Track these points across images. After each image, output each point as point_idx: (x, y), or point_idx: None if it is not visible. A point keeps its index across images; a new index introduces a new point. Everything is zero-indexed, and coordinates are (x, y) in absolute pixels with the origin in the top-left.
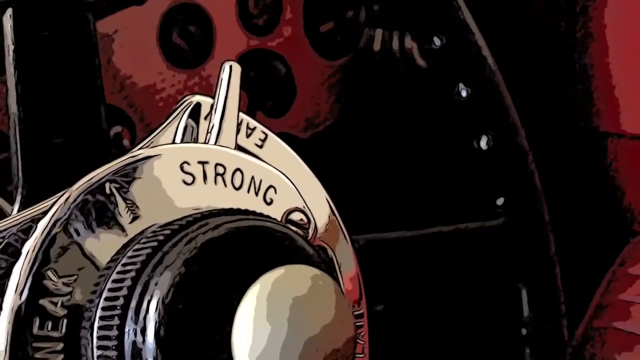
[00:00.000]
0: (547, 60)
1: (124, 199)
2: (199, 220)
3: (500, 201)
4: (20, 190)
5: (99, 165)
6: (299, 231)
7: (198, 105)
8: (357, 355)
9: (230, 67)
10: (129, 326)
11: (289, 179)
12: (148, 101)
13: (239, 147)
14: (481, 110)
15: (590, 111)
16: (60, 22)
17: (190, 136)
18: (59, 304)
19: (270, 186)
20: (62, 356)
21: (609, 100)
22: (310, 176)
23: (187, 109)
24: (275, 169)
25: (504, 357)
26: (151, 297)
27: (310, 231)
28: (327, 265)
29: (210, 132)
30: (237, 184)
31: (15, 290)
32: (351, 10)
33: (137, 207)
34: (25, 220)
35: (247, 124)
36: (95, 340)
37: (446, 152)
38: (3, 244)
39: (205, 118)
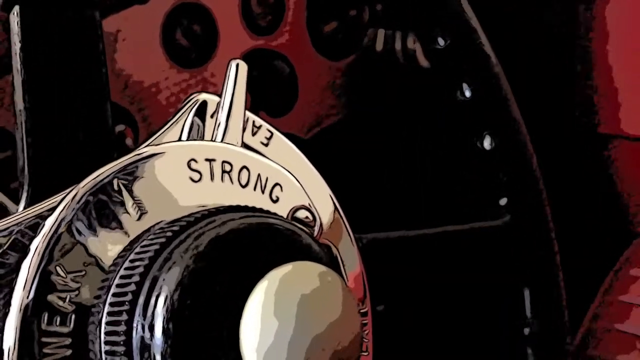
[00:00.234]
0: (548, 61)
1: (132, 196)
2: (207, 217)
3: (503, 201)
4: (26, 187)
5: (104, 163)
6: (306, 229)
7: (204, 104)
8: (361, 353)
9: (237, 65)
10: (137, 322)
11: (294, 177)
12: (151, 100)
13: (244, 145)
14: (484, 110)
15: (592, 113)
16: (67, 20)
17: (197, 134)
18: (67, 300)
19: (277, 184)
20: (70, 351)
21: (611, 102)
22: (315, 175)
23: (193, 107)
24: (281, 167)
25: (505, 357)
26: (159, 293)
27: (316, 229)
28: (333, 263)
29: (216, 130)
30: (243, 182)
31: (24, 286)
32: (354, 10)
33: (144, 203)
34: (32, 216)
35: (253, 122)
36: (103, 335)
37: (449, 152)
38: (10, 241)
39: (212, 116)
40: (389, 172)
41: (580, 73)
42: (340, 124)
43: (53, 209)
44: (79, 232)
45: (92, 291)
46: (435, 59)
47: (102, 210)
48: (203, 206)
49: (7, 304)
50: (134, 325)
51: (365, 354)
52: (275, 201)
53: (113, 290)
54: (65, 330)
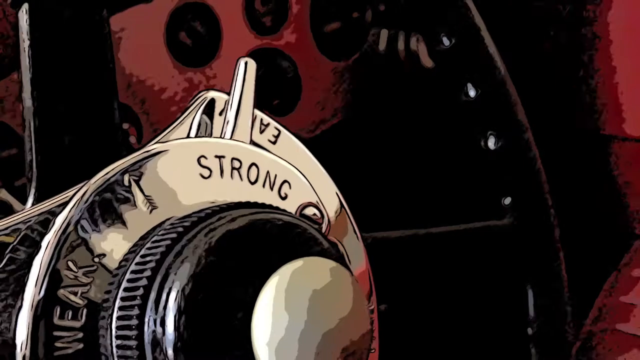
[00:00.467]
0: (551, 63)
1: (142, 191)
2: (218, 212)
3: (507, 201)
4: (34, 184)
5: (113, 161)
6: (315, 225)
7: (212, 101)
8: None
9: (246, 63)
10: (149, 316)
11: (302, 174)
12: (155, 99)
13: (253, 143)
14: (489, 110)
15: (594, 114)
16: (75, 18)
17: (205, 132)
18: (79, 294)
19: (285, 181)
20: (81, 345)
21: (613, 103)
22: (321, 172)
23: (201, 105)
24: (290, 164)
25: (509, 357)
26: (171, 287)
27: (324, 226)
28: (342, 260)
29: (225, 127)
30: (252, 179)
31: (36, 282)
32: (357, 10)
33: (154, 199)
34: (41, 212)
35: (261, 120)
36: (114, 329)
37: (453, 152)
38: (20, 236)
39: (220, 114)
40: (392, 173)
41: (584, 75)
42: (342, 124)
43: (64, 205)
44: (89, 229)
45: (104, 286)
46: (440, 59)
47: (112, 206)
48: (213, 202)
49: (20, 299)
50: (146, 319)
51: (373, 351)
52: (283, 198)
53: (124, 285)
54: (77, 324)
